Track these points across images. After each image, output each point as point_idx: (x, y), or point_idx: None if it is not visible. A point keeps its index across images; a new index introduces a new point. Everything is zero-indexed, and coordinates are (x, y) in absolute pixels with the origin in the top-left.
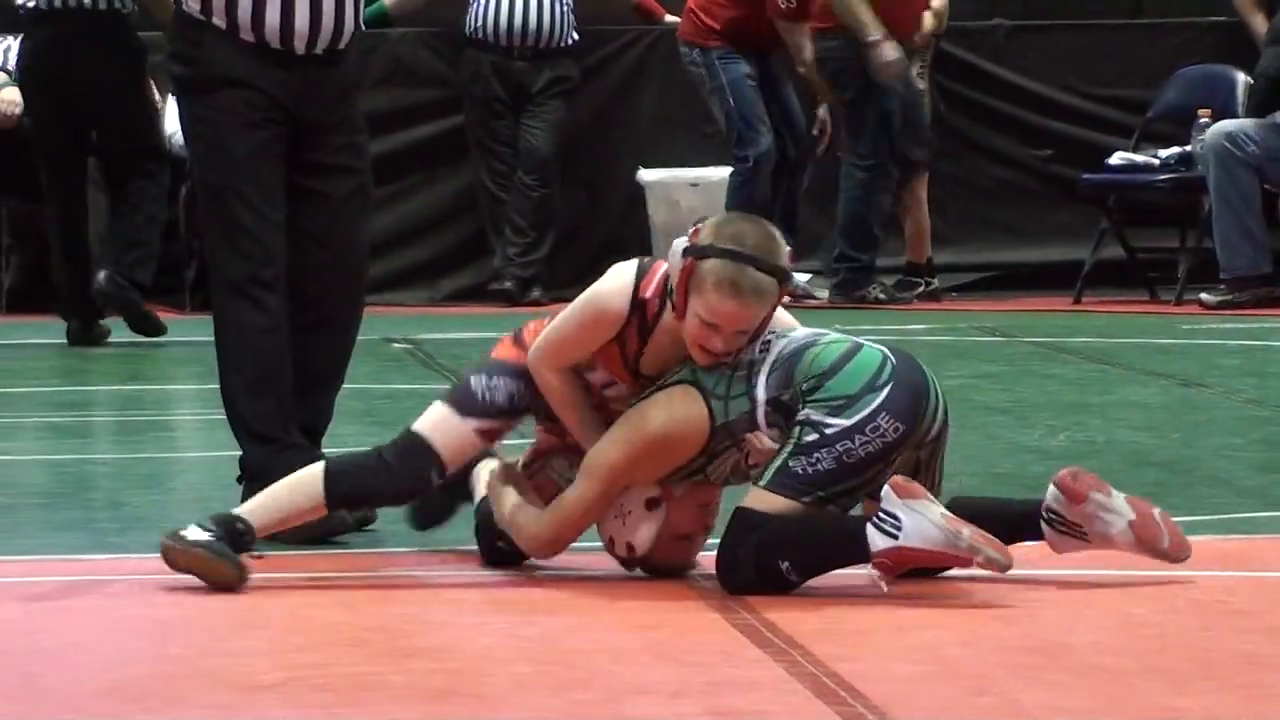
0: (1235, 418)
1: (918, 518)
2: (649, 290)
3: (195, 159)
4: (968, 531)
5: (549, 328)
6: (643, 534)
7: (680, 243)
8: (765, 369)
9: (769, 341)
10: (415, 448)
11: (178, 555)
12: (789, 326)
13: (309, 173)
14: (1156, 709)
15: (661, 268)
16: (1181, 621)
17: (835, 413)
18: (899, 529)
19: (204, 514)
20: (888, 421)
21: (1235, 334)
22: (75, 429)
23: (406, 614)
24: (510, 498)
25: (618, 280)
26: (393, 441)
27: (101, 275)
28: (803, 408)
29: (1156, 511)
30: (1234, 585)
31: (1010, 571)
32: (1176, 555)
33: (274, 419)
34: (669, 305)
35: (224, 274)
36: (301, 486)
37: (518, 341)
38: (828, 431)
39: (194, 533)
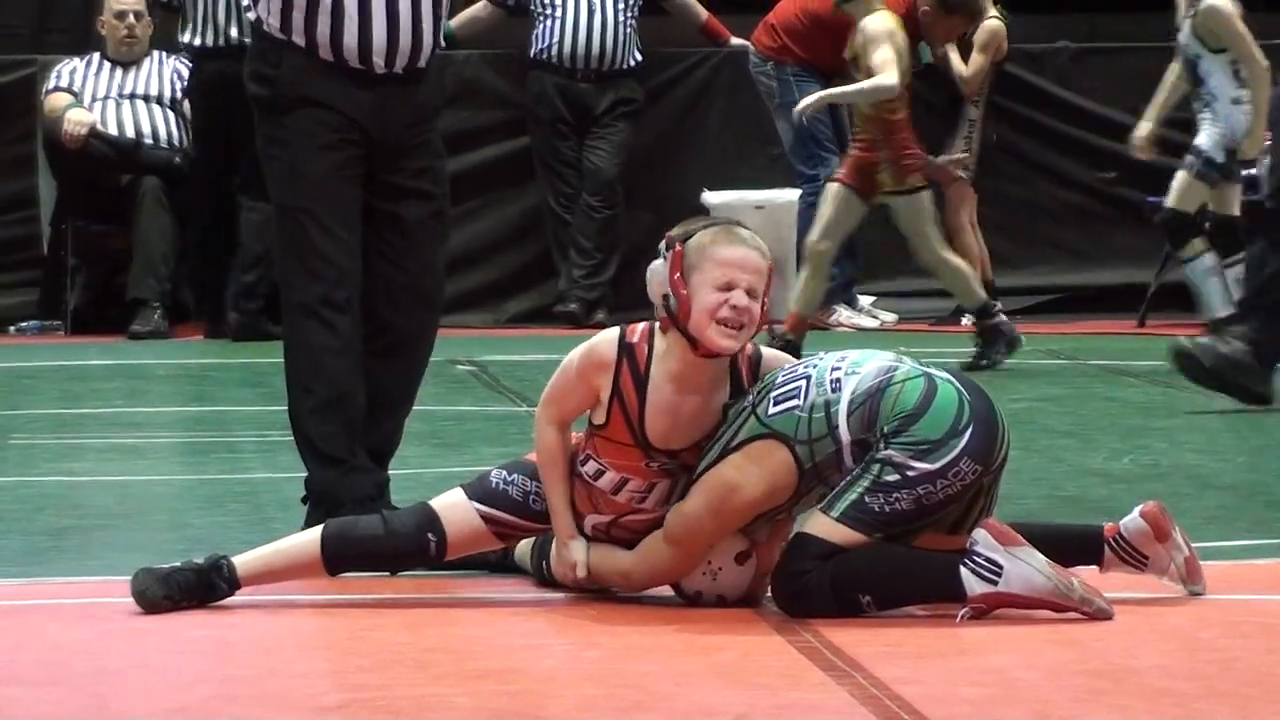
0: None
1: (1022, 566)
2: (635, 336)
3: (270, 180)
4: (1078, 583)
5: (548, 384)
6: (735, 587)
7: (657, 261)
8: (843, 408)
9: (839, 380)
10: (422, 518)
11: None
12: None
13: (385, 196)
14: None
15: (641, 325)
16: (1247, 645)
17: (920, 457)
18: (999, 575)
19: (267, 536)
20: (969, 465)
21: None
22: (140, 450)
23: (470, 635)
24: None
25: (604, 332)
26: (404, 509)
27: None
28: (885, 447)
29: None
30: None
31: None
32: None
33: (341, 441)
34: (660, 334)
35: (295, 295)
36: (302, 544)
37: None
38: (910, 474)
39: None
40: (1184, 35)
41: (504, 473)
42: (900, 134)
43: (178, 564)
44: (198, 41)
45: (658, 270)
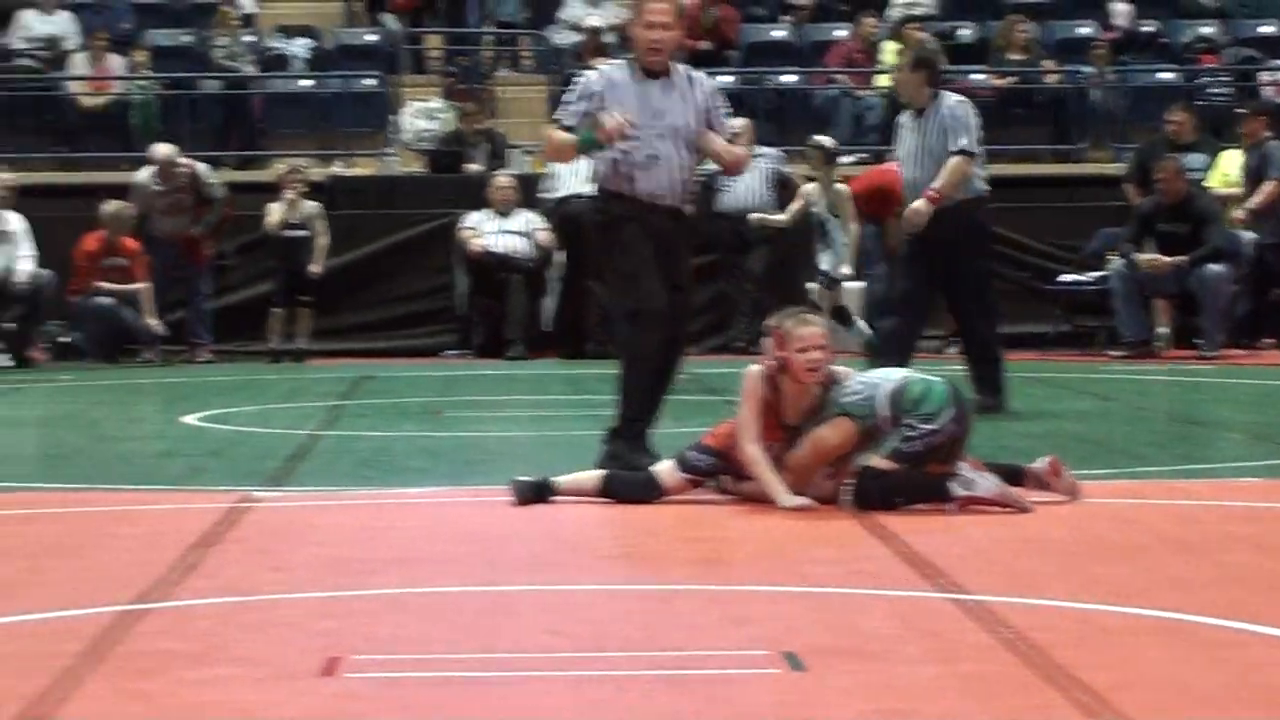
0: None
1: (985, 480)
2: (767, 367)
3: (608, 256)
4: (1016, 492)
5: (738, 418)
6: (825, 492)
7: (766, 339)
8: (880, 400)
9: (877, 384)
10: (651, 480)
11: (512, 486)
12: (849, 374)
13: (675, 265)
14: None
15: (764, 365)
16: (1091, 520)
17: (925, 421)
18: (971, 485)
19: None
20: (951, 427)
21: None
22: (514, 418)
23: (692, 517)
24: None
25: (749, 372)
26: (647, 471)
27: None
28: (905, 418)
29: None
30: None
31: None
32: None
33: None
34: (779, 373)
35: (636, 313)
36: (591, 478)
37: (714, 435)
38: (921, 431)
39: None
40: None
41: (694, 452)
42: None
43: (528, 477)
44: (562, 192)
45: (767, 345)
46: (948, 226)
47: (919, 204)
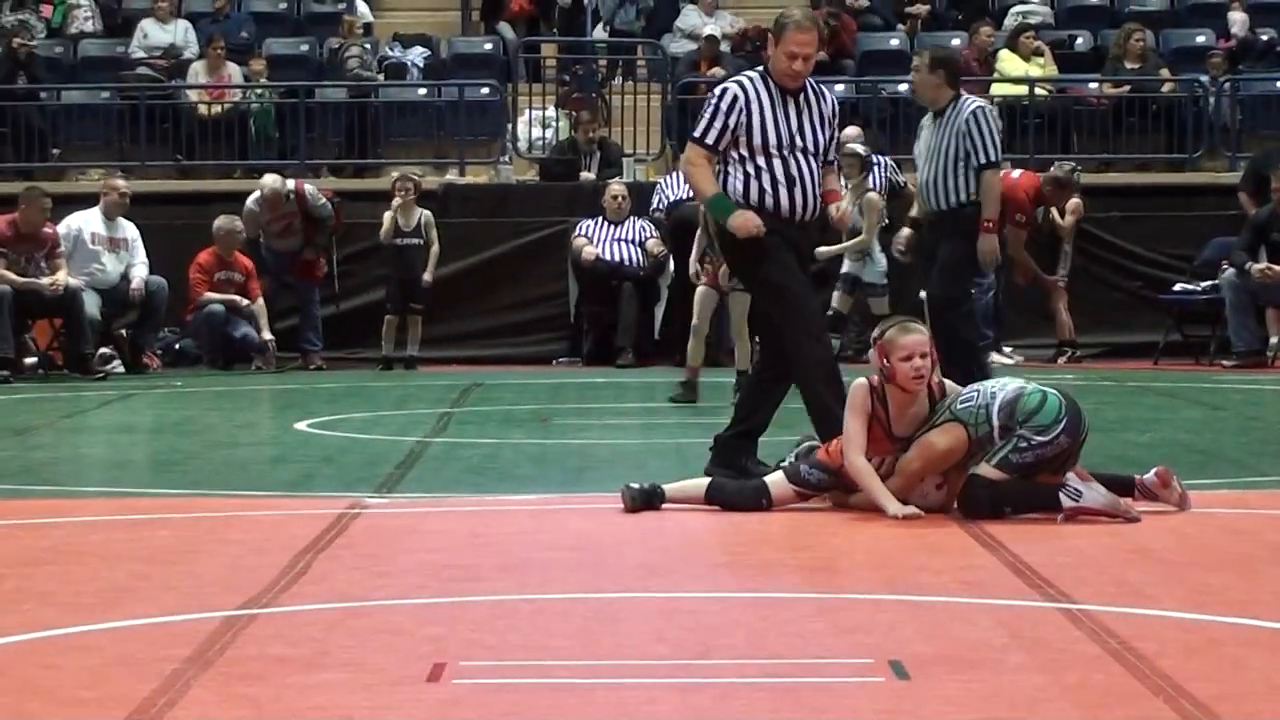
0: None
1: (1093, 492)
2: (873, 381)
3: (754, 269)
4: (1123, 502)
5: (844, 433)
6: (935, 501)
7: (871, 351)
8: (995, 409)
9: (994, 393)
10: (761, 490)
11: (622, 493)
12: (958, 389)
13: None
14: None
15: (871, 378)
16: (1207, 533)
17: (1038, 433)
18: (1080, 496)
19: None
20: (1063, 439)
21: None
22: (616, 426)
23: (800, 526)
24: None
25: (854, 385)
26: (757, 481)
27: None
28: (1019, 429)
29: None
30: None
31: None
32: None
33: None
34: (885, 384)
35: (796, 322)
36: (697, 486)
37: (826, 452)
38: (1032, 443)
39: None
40: None
41: (804, 467)
42: None
43: (638, 485)
44: (671, 197)
45: (873, 356)
46: (947, 228)
47: (985, 239)
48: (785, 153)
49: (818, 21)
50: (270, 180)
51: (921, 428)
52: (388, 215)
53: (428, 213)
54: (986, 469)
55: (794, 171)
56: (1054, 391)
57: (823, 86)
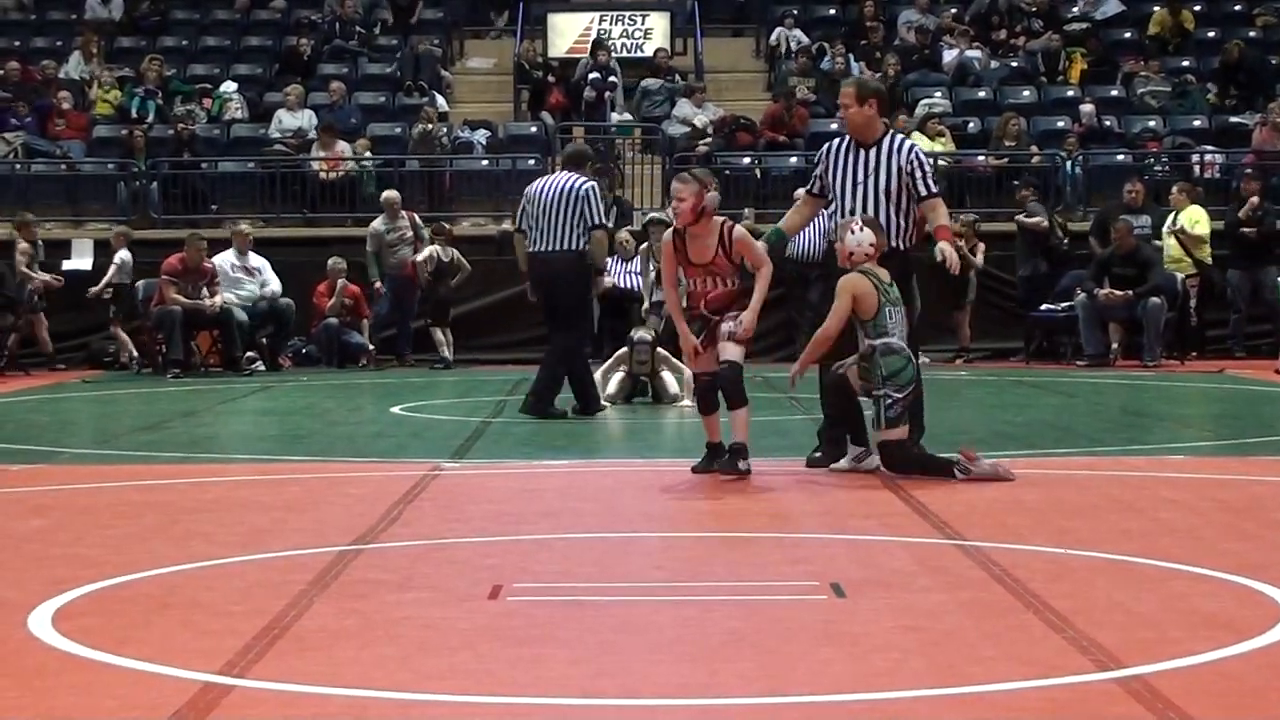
0: None
1: (978, 466)
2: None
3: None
4: (1003, 465)
5: (661, 270)
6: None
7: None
8: (884, 334)
9: (890, 343)
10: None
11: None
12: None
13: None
14: None
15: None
16: (1047, 485)
17: (898, 390)
18: (967, 473)
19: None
20: (915, 391)
21: None
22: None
23: (765, 485)
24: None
25: (665, 233)
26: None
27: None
28: (883, 385)
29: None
30: None
31: None
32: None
33: None
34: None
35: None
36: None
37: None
38: (896, 399)
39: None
40: None
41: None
42: None
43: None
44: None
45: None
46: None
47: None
48: (857, 196)
49: (863, 85)
50: (392, 192)
51: (714, 256)
52: (428, 249)
53: (455, 250)
54: (878, 434)
55: (871, 213)
56: (911, 362)
57: (909, 142)
